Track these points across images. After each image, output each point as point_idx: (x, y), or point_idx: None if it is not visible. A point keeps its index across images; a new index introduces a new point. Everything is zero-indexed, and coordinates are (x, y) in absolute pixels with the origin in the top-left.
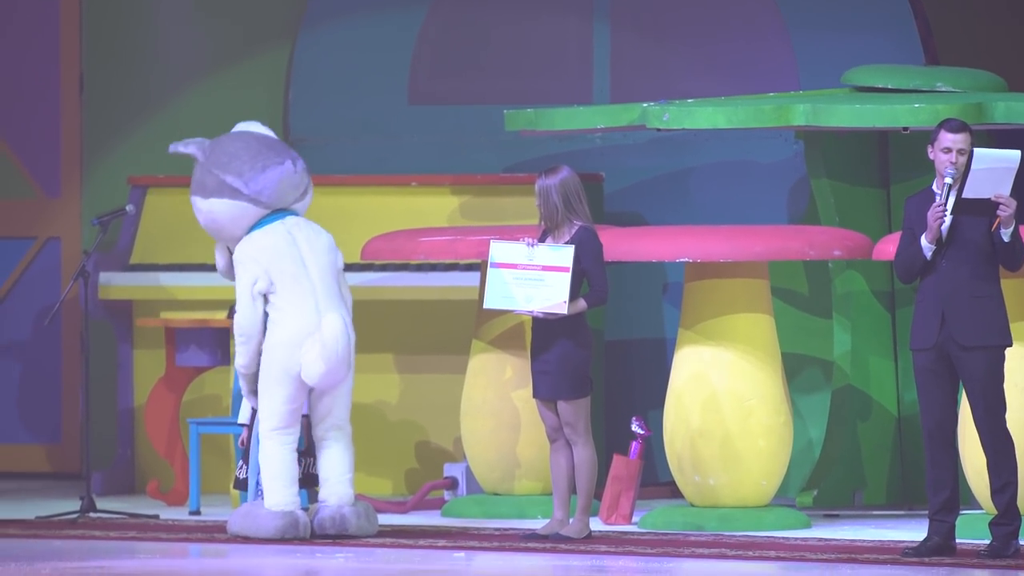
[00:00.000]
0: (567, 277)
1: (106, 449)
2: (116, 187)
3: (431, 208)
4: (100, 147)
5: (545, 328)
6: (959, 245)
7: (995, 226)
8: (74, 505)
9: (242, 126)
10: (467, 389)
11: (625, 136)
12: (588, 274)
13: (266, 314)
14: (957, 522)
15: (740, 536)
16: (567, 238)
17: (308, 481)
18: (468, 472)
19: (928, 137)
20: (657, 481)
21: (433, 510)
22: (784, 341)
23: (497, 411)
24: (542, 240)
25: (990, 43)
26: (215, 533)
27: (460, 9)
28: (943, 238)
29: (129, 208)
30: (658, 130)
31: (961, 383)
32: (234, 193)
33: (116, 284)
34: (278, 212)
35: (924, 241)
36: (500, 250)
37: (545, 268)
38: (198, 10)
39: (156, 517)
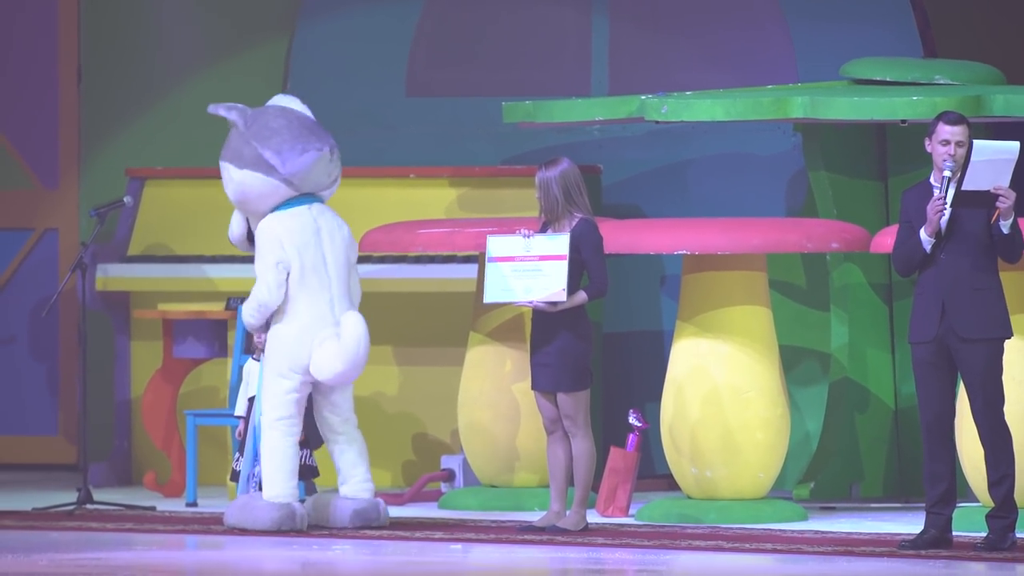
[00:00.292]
0: (564, 265)
1: (103, 441)
2: (114, 178)
3: (429, 200)
4: (98, 138)
5: (545, 320)
6: (959, 238)
7: (995, 218)
8: (71, 497)
9: (282, 100)
10: (464, 381)
11: (623, 128)
12: (588, 266)
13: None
14: (954, 515)
15: (737, 528)
16: (567, 230)
17: (306, 473)
18: (465, 464)
19: (926, 130)
20: (654, 473)
21: (430, 502)
22: (782, 333)
23: (494, 403)
24: (542, 232)
25: (988, 36)
26: (212, 525)
27: (458, 0)
28: (942, 231)
29: (127, 200)
30: (656, 122)
31: (960, 376)
32: (269, 170)
33: (113, 276)
34: (305, 196)
35: (923, 234)
36: (497, 244)
37: (542, 258)
38: (196, 2)
39: (153, 509)
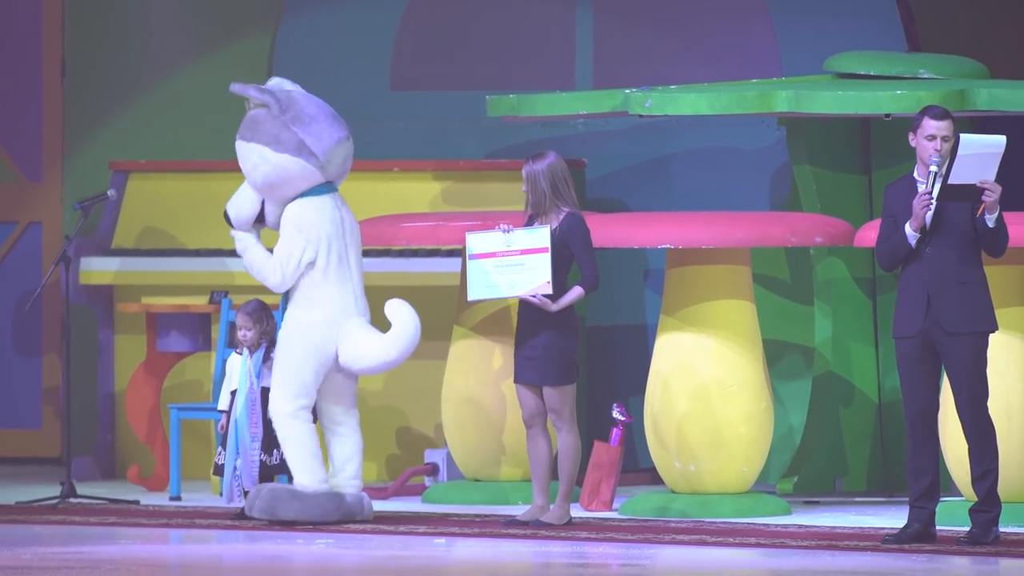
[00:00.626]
0: (547, 258)
1: (87, 434)
2: (98, 172)
3: (413, 194)
4: (82, 132)
5: (531, 314)
6: (944, 231)
7: (980, 212)
8: (55, 490)
9: (286, 85)
10: (448, 375)
11: (607, 122)
12: (578, 260)
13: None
14: (937, 509)
15: (720, 522)
16: (555, 224)
17: (287, 466)
18: (449, 458)
19: (910, 124)
20: (638, 467)
21: (414, 496)
22: (765, 327)
23: (478, 397)
24: (529, 225)
25: (972, 30)
26: (196, 519)
27: None
28: (927, 226)
29: (111, 193)
30: (640, 116)
31: (944, 370)
32: (310, 157)
33: (97, 269)
34: (326, 184)
35: (909, 229)
36: (477, 241)
37: (524, 252)
38: None
39: (137, 503)
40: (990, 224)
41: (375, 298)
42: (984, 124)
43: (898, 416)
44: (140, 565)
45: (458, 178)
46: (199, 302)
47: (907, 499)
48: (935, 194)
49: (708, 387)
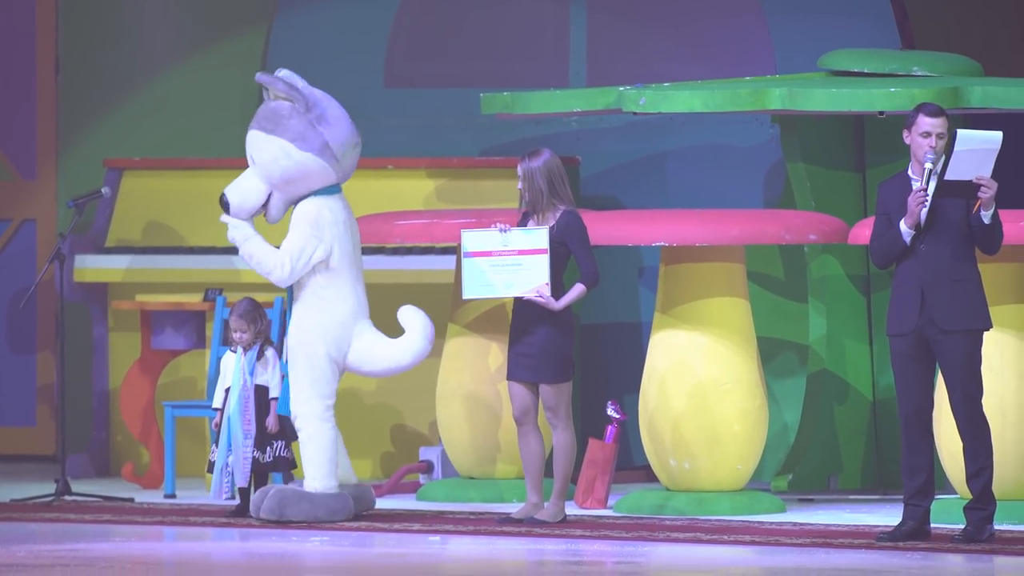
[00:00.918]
0: (546, 259)
1: (81, 432)
2: (92, 169)
3: (407, 191)
4: (76, 129)
5: (527, 311)
6: (938, 228)
7: (976, 208)
8: (49, 488)
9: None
10: (443, 373)
11: (601, 120)
12: (576, 258)
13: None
14: (932, 507)
15: (715, 520)
16: (551, 222)
17: (282, 464)
18: (443, 456)
19: (904, 121)
20: (632, 465)
21: (408, 494)
22: (759, 325)
23: (473, 395)
24: (523, 223)
25: (966, 28)
26: (190, 516)
27: None
28: (922, 223)
29: (105, 190)
30: (634, 114)
31: (938, 368)
32: (331, 158)
33: (91, 267)
34: (335, 184)
35: (903, 226)
36: (472, 239)
37: (521, 252)
38: None
39: (131, 500)
40: (986, 221)
41: (370, 296)
42: (978, 122)
43: (892, 414)
44: (135, 563)
45: (452, 175)
46: (193, 299)
47: (901, 497)
48: (930, 191)
49: (703, 385)
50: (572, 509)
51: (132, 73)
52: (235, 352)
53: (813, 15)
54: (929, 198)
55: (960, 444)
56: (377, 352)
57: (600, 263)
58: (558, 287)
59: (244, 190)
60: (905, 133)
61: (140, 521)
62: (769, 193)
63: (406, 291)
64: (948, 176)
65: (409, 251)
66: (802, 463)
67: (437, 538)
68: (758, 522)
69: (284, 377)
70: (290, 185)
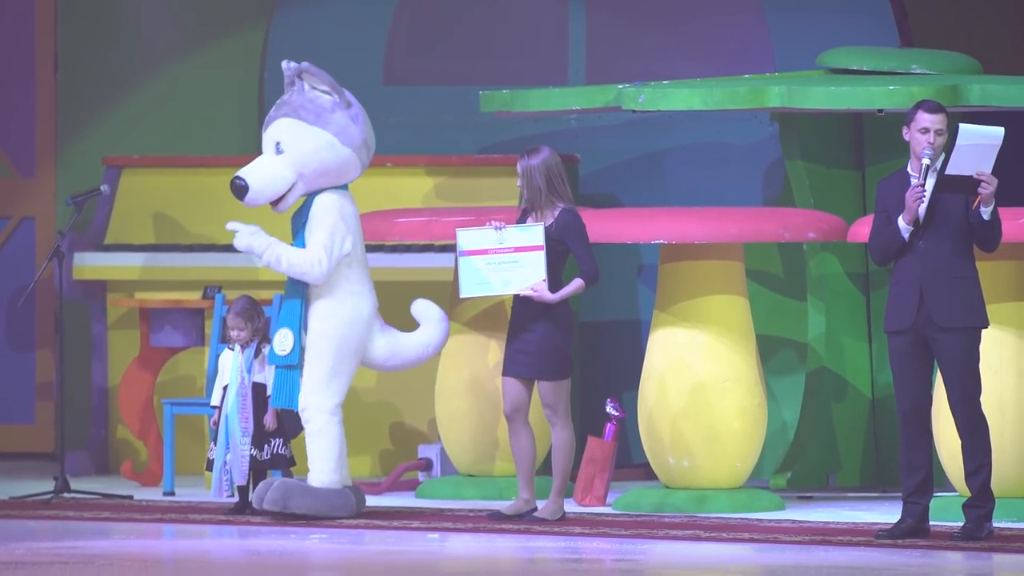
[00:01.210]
0: (542, 256)
1: (80, 429)
2: (91, 167)
3: (406, 189)
4: (75, 127)
5: (526, 308)
6: (937, 225)
7: (976, 204)
8: (48, 485)
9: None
10: (442, 370)
11: (600, 117)
12: (576, 255)
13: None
14: (931, 504)
15: (714, 518)
16: (550, 220)
17: (280, 462)
18: (442, 453)
19: (903, 119)
20: (632, 463)
21: (407, 491)
22: (759, 323)
23: (472, 392)
24: (522, 221)
25: (965, 25)
26: (189, 514)
27: None
28: (920, 219)
29: (104, 188)
30: (633, 111)
31: (937, 365)
32: (365, 157)
33: (90, 264)
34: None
35: (901, 222)
36: (468, 237)
37: (517, 249)
38: None
39: (130, 498)
40: (986, 217)
41: None
42: (977, 120)
43: (891, 411)
44: (133, 560)
45: (451, 173)
46: (192, 297)
47: (900, 494)
48: (928, 187)
49: (702, 382)
50: (571, 507)
51: (131, 71)
52: (233, 350)
53: (812, 13)
54: (927, 194)
55: (959, 442)
56: (403, 344)
57: (599, 261)
58: (557, 285)
59: (269, 176)
60: (904, 130)
61: (139, 519)
62: (768, 191)
63: (405, 289)
64: (949, 171)
65: (408, 249)
66: (801, 461)
67: (436, 536)
68: (757, 520)
69: (280, 369)
70: (322, 178)
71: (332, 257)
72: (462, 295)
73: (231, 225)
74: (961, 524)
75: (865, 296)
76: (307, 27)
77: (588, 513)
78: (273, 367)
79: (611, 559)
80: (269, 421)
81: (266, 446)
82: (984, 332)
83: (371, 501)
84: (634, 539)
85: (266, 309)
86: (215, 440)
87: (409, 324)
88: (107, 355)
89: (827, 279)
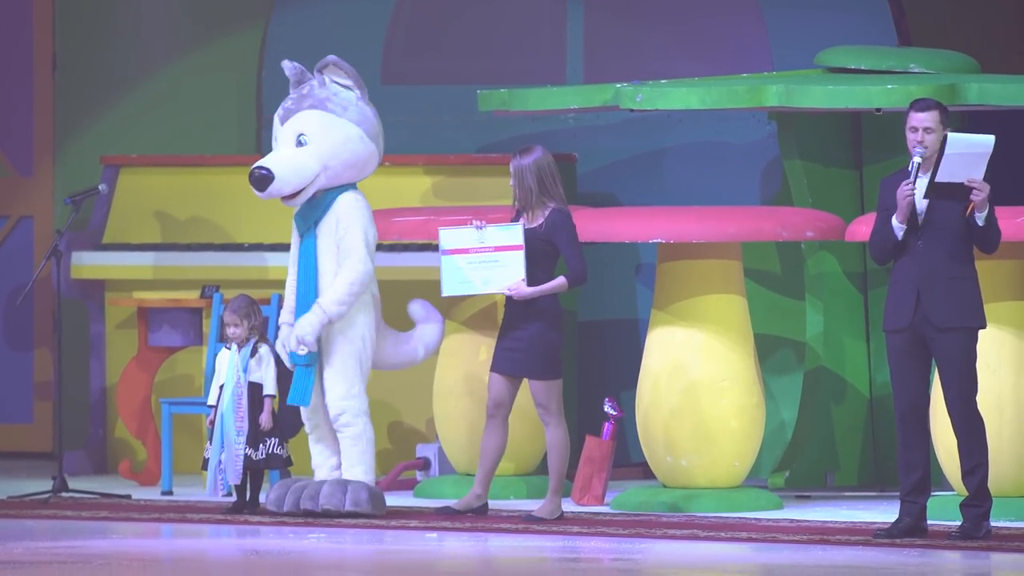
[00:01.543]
0: (521, 255)
1: (78, 429)
2: (89, 166)
3: (404, 188)
4: (73, 126)
5: (518, 307)
6: (936, 226)
7: (970, 211)
8: (46, 485)
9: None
10: (440, 370)
11: (598, 116)
12: (564, 255)
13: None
14: (928, 503)
15: (712, 517)
16: (540, 220)
17: (277, 462)
18: (440, 453)
19: (900, 118)
20: (630, 462)
21: (405, 491)
22: (757, 322)
23: (470, 392)
24: (516, 220)
25: (963, 24)
26: (187, 513)
27: None
28: (919, 220)
29: (102, 187)
30: (631, 111)
31: (934, 364)
32: (380, 153)
33: (88, 263)
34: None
35: (895, 221)
36: (449, 236)
37: (498, 248)
38: None
39: (128, 497)
40: (980, 223)
41: None
42: (975, 118)
43: (889, 411)
44: (132, 559)
45: (449, 172)
46: (190, 296)
47: (898, 493)
48: (918, 185)
49: (699, 382)
50: (569, 506)
51: (129, 70)
52: (230, 349)
53: (810, 12)
54: (915, 191)
55: (956, 440)
56: (401, 343)
57: (598, 260)
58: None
59: (297, 166)
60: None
61: (137, 518)
62: (766, 190)
63: (403, 288)
64: (939, 178)
65: (406, 248)
66: (799, 460)
67: (434, 535)
68: (755, 519)
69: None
70: (347, 171)
71: (372, 255)
72: (444, 294)
73: (296, 351)
74: (959, 523)
75: (863, 295)
76: (305, 27)
77: (586, 512)
78: (297, 365)
79: (609, 558)
80: (265, 420)
81: (261, 446)
82: (982, 332)
83: None
84: (632, 538)
85: (264, 308)
86: (211, 439)
87: (406, 323)
88: (105, 354)
89: (825, 278)
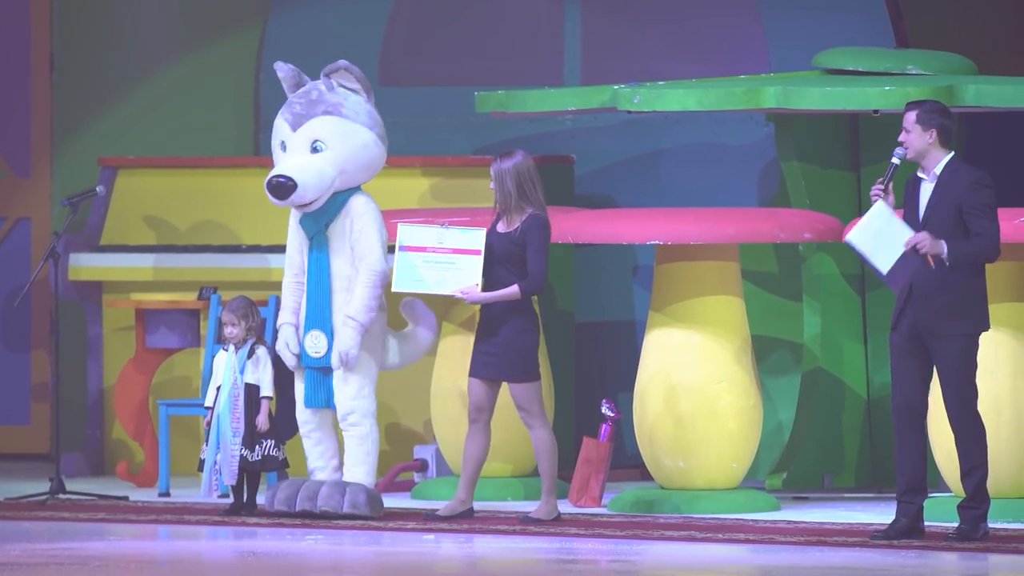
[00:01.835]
0: (479, 260)
1: (76, 430)
2: (86, 168)
3: (402, 190)
4: (71, 128)
5: (493, 311)
6: (935, 230)
7: (932, 263)
8: (43, 487)
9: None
10: (437, 371)
11: (596, 118)
12: (528, 261)
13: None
14: (925, 504)
15: (709, 519)
16: (517, 224)
17: (272, 464)
18: (438, 454)
19: (898, 119)
20: (627, 463)
21: (403, 492)
22: (754, 323)
23: (466, 394)
24: (496, 223)
25: (960, 26)
26: (184, 515)
27: None
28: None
29: (99, 189)
30: (629, 112)
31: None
32: (384, 153)
33: (86, 265)
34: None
35: None
36: (408, 233)
37: (455, 251)
38: None
39: (125, 499)
40: (948, 263)
41: None
42: (973, 120)
43: (887, 412)
44: (129, 561)
45: (447, 174)
46: (188, 298)
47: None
48: (888, 186)
49: (697, 383)
50: (566, 507)
51: (127, 71)
52: (227, 351)
53: (807, 13)
54: (884, 193)
55: (954, 442)
56: (399, 343)
57: (595, 262)
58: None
59: (317, 171)
60: None
61: (134, 520)
62: (764, 192)
63: None
64: (886, 267)
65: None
66: (796, 461)
67: (431, 537)
68: (752, 520)
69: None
70: (360, 174)
71: (386, 255)
72: (395, 288)
73: (340, 368)
74: (956, 525)
75: (860, 297)
76: (302, 28)
77: (583, 514)
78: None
79: (606, 560)
80: (262, 422)
81: (257, 447)
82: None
83: None
84: (629, 540)
85: (262, 310)
86: (207, 440)
87: (400, 326)
88: (103, 356)
89: (823, 280)
